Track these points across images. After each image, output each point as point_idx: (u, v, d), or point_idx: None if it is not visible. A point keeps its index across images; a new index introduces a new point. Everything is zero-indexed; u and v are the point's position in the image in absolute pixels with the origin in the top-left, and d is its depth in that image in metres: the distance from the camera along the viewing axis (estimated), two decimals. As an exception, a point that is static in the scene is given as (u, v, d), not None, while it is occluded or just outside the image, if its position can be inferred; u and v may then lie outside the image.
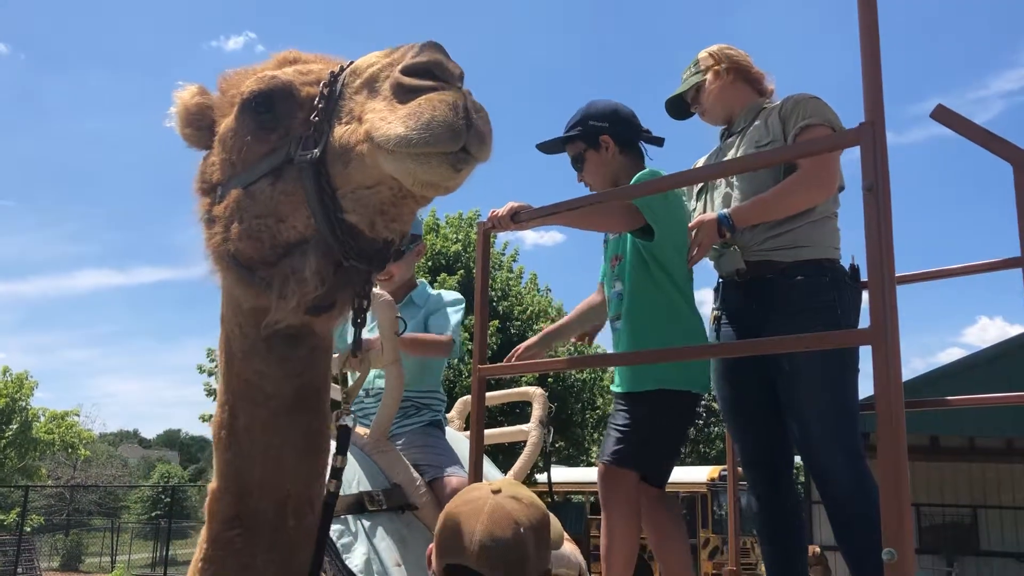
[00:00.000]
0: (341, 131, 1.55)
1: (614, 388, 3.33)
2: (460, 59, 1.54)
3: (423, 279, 3.65)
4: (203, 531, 1.89)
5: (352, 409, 3.37)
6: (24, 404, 30.65)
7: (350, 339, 3.38)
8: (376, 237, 1.61)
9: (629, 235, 3.27)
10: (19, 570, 22.26)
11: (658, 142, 3.51)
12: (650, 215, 3.12)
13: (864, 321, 3.15)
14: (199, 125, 1.87)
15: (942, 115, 2.05)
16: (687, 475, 19.30)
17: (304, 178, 1.58)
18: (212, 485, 1.87)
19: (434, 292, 3.64)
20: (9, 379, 30.43)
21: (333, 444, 1.94)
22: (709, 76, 3.47)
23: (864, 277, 3.13)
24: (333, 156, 1.56)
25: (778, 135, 3.16)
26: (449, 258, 22.84)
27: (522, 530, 1.83)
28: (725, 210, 3.09)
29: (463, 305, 3.60)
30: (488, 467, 3.63)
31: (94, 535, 37.74)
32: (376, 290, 3.08)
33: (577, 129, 3.46)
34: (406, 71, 1.48)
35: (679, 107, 3.61)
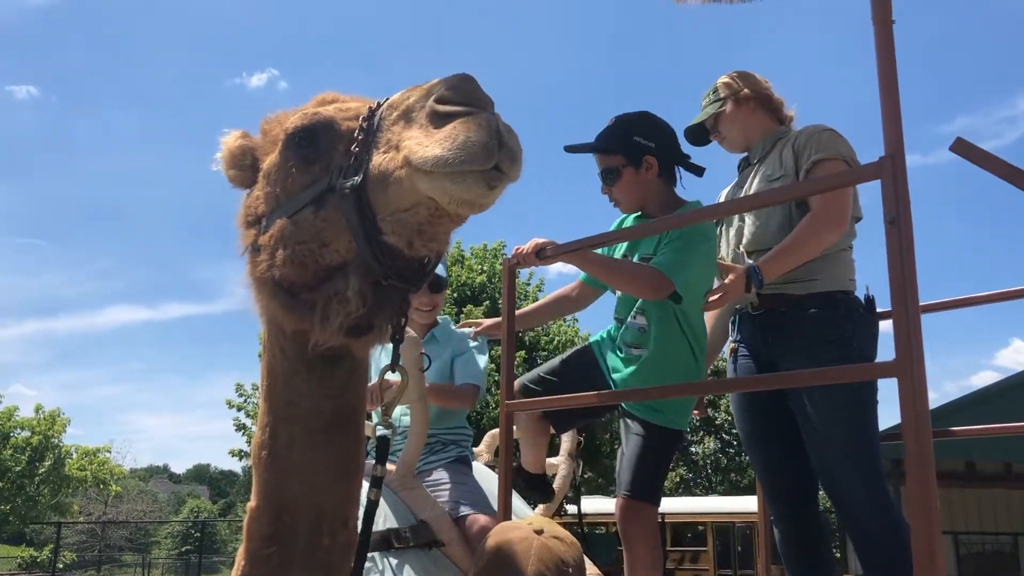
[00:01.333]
0: (380, 159, 1.66)
1: (632, 409, 3.20)
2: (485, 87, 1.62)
3: (445, 315, 3.68)
4: (240, 549, 1.95)
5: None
6: (57, 441, 31.00)
7: (375, 376, 3.42)
8: (414, 256, 1.71)
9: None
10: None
11: (698, 171, 3.42)
12: (681, 282, 3.00)
13: (886, 352, 3.18)
14: (242, 166, 2.00)
15: (962, 148, 2.06)
16: (739, 504, 19.05)
17: (345, 204, 1.69)
18: (251, 504, 1.94)
19: (457, 330, 3.66)
20: (42, 416, 30.82)
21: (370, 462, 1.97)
22: (728, 104, 3.45)
23: (880, 307, 3.15)
24: (373, 182, 1.66)
25: (790, 169, 3.15)
26: (475, 289, 22.91)
27: (570, 571, 1.86)
28: (752, 262, 3.00)
29: (488, 349, 3.61)
30: (517, 502, 3.62)
31: (125, 571, 37.85)
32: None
33: (620, 142, 3.31)
34: (440, 100, 1.58)
35: (698, 133, 3.59)
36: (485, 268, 23.84)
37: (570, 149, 3.45)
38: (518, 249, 3.01)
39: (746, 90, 3.44)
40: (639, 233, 3.21)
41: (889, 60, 2.04)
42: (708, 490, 37.16)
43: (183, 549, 43.57)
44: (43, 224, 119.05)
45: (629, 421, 3.21)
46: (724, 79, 3.51)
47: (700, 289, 3.12)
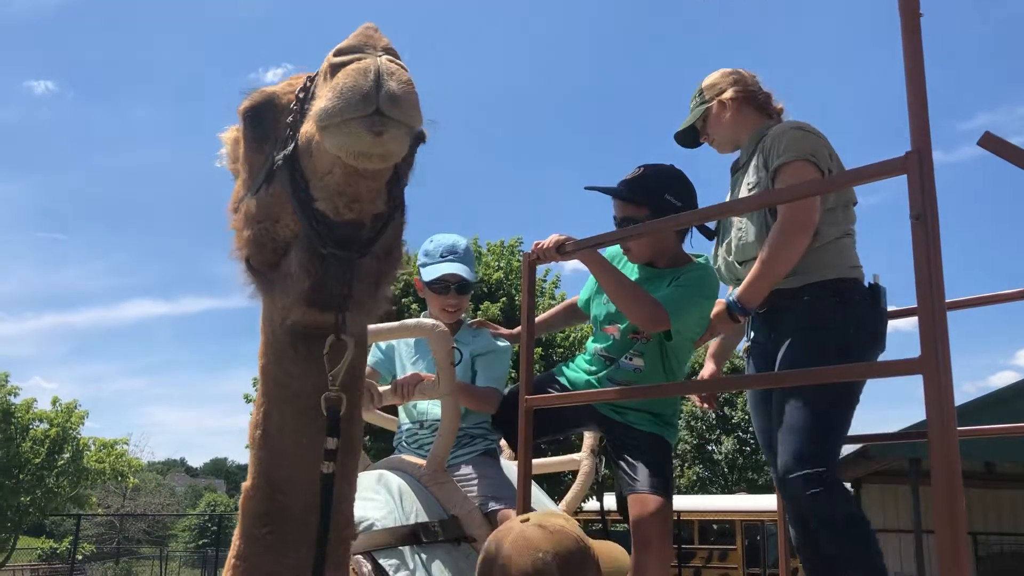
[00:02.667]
0: (306, 126, 1.64)
1: (638, 426, 3.28)
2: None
3: (465, 315, 3.68)
4: (237, 528, 1.96)
5: (405, 439, 3.39)
6: (75, 434, 31.24)
7: (400, 371, 3.43)
8: (341, 220, 1.65)
9: None
10: (71, 598, 22.55)
11: (710, 235, 3.44)
12: (677, 324, 3.10)
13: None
14: (236, 157, 2.00)
15: (990, 142, 2.04)
16: (768, 503, 18.94)
17: (282, 176, 1.68)
18: (246, 484, 1.95)
19: (481, 330, 3.66)
20: (59, 409, 31.07)
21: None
22: (714, 106, 3.40)
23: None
24: (302, 151, 1.64)
25: (763, 177, 3.11)
26: (491, 286, 22.90)
27: (541, 555, 1.84)
28: (732, 295, 3.09)
29: (510, 351, 3.62)
30: (540, 495, 3.62)
31: (143, 563, 38.12)
32: (430, 320, 3.11)
33: (651, 197, 3.30)
34: (337, 52, 1.55)
35: (689, 136, 3.55)
36: (502, 265, 23.82)
37: (593, 188, 3.44)
38: (538, 244, 3.00)
39: (730, 90, 3.38)
40: (660, 228, 3.18)
41: (916, 53, 2.01)
42: (724, 489, 37.01)
43: (200, 542, 43.88)
44: (63, 218, 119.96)
45: (633, 437, 3.26)
46: (708, 79, 3.47)
47: (689, 337, 3.26)
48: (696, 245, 3.50)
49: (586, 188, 3.46)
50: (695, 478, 38.72)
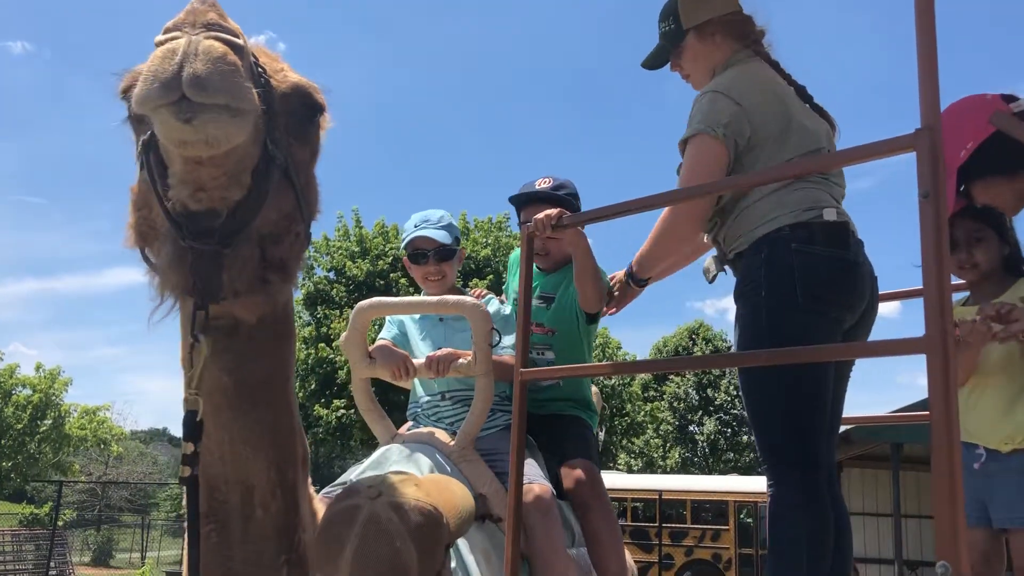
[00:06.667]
0: None
1: (562, 412, 3.47)
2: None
3: (460, 286, 3.65)
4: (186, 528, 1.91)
5: (426, 411, 3.35)
6: (57, 400, 31.16)
7: (424, 348, 3.37)
8: (191, 210, 1.53)
9: (567, 311, 3.45)
10: (51, 564, 22.55)
11: None
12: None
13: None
14: None
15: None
16: (762, 484, 19.16)
17: (144, 163, 1.57)
18: None
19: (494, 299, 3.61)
20: (42, 375, 30.95)
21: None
22: (689, 36, 3.06)
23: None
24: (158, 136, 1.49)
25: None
26: (479, 262, 22.88)
27: (398, 544, 1.77)
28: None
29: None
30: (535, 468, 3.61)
31: (125, 531, 38.22)
32: (472, 300, 3.07)
33: (569, 201, 3.45)
34: (164, 30, 1.43)
35: (659, 60, 3.26)
36: (489, 241, 23.81)
37: (514, 199, 3.61)
38: (536, 218, 2.98)
39: (708, 16, 3.03)
40: (659, 203, 3.11)
41: (928, 30, 1.98)
42: (705, 470, 37.32)
43: (181, 512, 43.84)
44: (43, 182, 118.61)
45: (560, 423, 3.42)
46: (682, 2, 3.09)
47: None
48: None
49: (510, 199, 3.64)
50: (678, 459, 38.99)
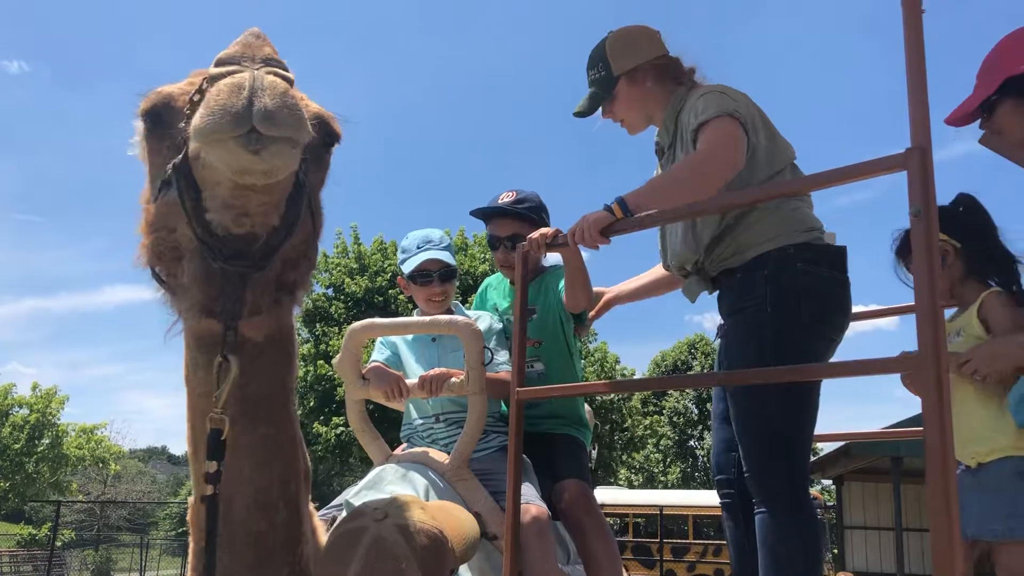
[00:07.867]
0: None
1: (555, 431, 3.45)
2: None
3: (456, 301, 3.65)
4: (190, 544, 1.94)
5: (420, 433, 3.35)
6: (54, 419, 31.08)
7: (418, 369, 3.38)
8: (232, 233, 1.59)
9: (550, 319, 3.48)
10: (50, 585, 22.44)
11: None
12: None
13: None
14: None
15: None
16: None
17: (176, 185, 1.60)
18: (191, 498, 1.93)
19: (472, 313, 3.62)
20: (39, 394, 30.88)
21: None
22: (621, 84, 3.05)
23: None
24: (193, 160, 1.56)
25: (680, 157, 2.91)
26: (477, 278, 22.87)
27: (403, 565, 1.77)
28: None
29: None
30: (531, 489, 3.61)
31: (123, 551, 37.98)
32: (464, 319, 3.08)
33: (536, 215, 3.48)
34: (217, 62, 1.50)
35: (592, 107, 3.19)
36: (487, 257, 23.81)
37: (478, 212, 3.62)
38: (531, 236, 2.98)
39: (637, 62, 3.02)
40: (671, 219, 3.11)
41: (918, 50, 2.00)
42: (706, 484, 37.24)
43: (181, 530, 43.72)
44: (40, 201, 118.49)
45: (551, 441, 3.39)
46: (608, 47, 3.08)
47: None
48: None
49: (471, 213, 3.66)
50: (679, 474, 38.91)
